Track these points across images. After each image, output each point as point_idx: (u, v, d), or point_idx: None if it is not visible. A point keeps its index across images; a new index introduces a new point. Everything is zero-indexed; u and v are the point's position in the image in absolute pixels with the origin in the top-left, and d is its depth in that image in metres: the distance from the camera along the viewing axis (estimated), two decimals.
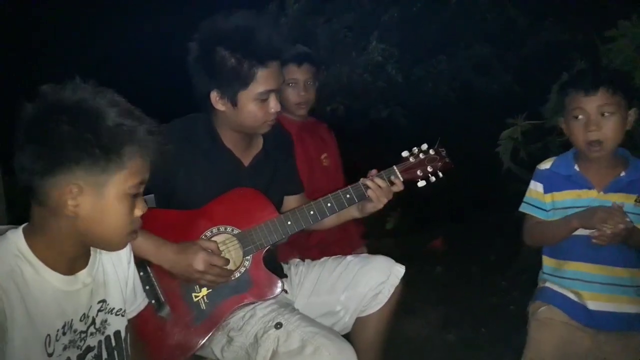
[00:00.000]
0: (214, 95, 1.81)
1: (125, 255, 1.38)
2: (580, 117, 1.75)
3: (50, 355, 1.16)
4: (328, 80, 4.22)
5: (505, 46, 4.26)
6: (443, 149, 1.96)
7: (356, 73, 4.49)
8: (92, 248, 1.29)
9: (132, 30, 5.32)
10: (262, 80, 1.77)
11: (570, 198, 1.82)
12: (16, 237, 1.17)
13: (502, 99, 4.15)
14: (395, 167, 1.90)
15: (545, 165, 1.91)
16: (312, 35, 4.77)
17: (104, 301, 1.29)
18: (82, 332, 1.23)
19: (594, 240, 1.69)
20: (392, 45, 4.55)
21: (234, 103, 1.79)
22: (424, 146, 1.94)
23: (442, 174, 1.94)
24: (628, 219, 1.66)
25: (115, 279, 1.34)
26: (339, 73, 4.47)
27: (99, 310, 1.28)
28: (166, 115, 1.90)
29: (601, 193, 1.78)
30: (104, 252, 1.32)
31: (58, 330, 1.18)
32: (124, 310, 1.35)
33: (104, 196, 1.16)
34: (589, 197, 1.79)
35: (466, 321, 3.03)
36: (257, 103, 1.79)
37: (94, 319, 1.26)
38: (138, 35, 5.21)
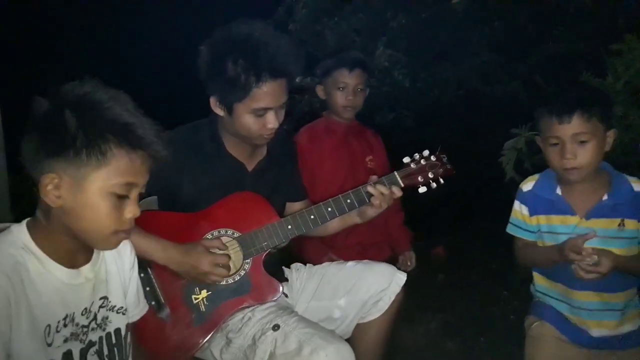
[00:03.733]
0: (213, 100, 1.82)
1: (127, 260, 1.39)
2: (556, 143, 1.68)
3: (49, 345, 1.16)
4: None
5: (511, 55, 4.25)
6: (444, 155, 1.95)
7: None
8: None
9: (147, 34, 5.34)
10: (258, 97, 1.75)
11: (555, 223, 1.78)
12: (20, 231, 1.19)
13: (507, 108, 4.14)
14: (396, 173, 1.90)
15: (528, 186, 1.84)
16: (321, 38, 4.78)
17: (105, 298, 1.30)
18: (84, 326, 1.24)
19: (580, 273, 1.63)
20: (399, 51, 4.56)
21: (230, 112, 1.80)
22: (426, 152, 1.94)
23: (443, 180, 1.93)
24: (590, 259, 1.58)
25: (117, 279, 1.35)
26: None
27: (101, 307, 1.29)
28: (180, 119, 1.94)
29: (583, 220, 1.72)
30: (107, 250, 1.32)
31: (59, 322, 1.19)
32: (125, 309, 1.36)
33: (84, 190, 1.14)
34: (572, 223, 1.73)
35: (466, 330, 3.02)
36: (252, 116, 1.78)
37: (95, 315, 1.27)
38: (153, 39, 5.23)
